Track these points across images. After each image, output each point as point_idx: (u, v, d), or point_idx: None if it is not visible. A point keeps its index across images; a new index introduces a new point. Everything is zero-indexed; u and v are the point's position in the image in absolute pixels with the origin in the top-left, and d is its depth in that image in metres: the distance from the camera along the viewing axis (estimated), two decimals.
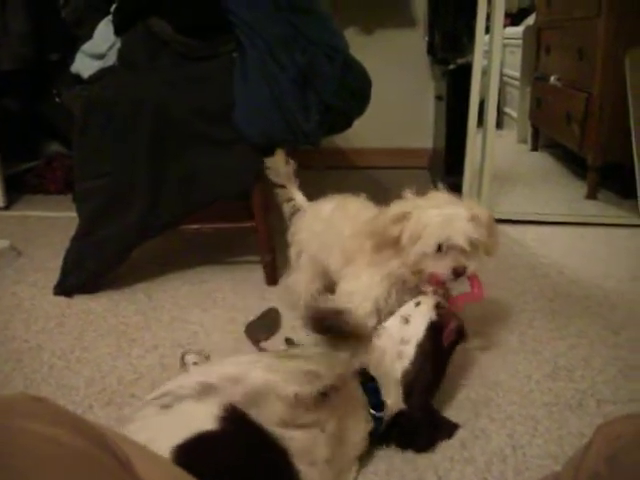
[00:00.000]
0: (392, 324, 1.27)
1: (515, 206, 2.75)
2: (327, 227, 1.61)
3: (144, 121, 1.76)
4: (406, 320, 1.25)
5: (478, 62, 2.46)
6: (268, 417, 0.95)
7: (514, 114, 4.42)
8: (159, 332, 1.68)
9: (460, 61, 2.81)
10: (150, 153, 1.78)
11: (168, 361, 1.52)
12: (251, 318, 1.71)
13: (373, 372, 1.18)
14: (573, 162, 3.42)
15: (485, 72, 2.48)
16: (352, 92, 1.80)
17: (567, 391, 1.40)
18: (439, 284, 1.34)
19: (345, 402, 1.09)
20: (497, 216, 2.54)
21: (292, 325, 1.69)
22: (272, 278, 1.96)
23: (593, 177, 2.88)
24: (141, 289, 1.95)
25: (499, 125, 4.77)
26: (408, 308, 1.28)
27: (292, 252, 1.73)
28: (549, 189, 3.13)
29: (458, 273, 1.33)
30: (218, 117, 1.77)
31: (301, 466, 0.95)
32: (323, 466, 0.99)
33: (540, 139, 4.02)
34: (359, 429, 1.11)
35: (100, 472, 0.52)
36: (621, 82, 2.61)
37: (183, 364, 1.42)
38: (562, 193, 3.04)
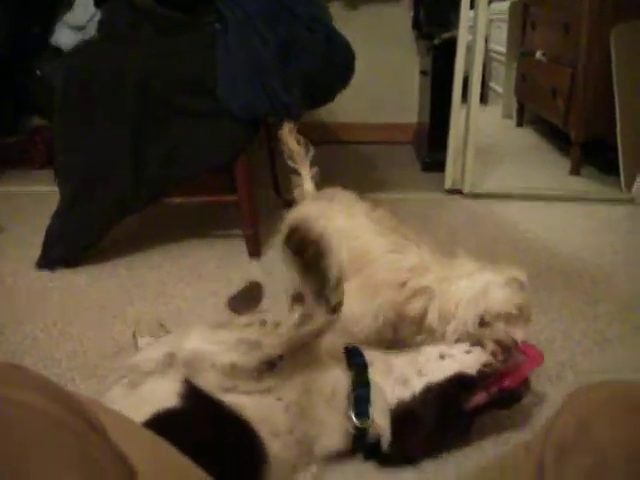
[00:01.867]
0: (426, 352, 1.13)
1: (499, 181, 2.76)
2: None
3: (126, 94, 1.74)
4: (442, 357, 1.10)
5: (463, 37, 2.45)
6: (206, 386, 0.93)
7: (500, 89, 4.42)
8: (141, 306, 1.68)
9: (445, 36, 2.80)
10: (132, 126, 1.77)
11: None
12: (233, 291, 1.71)
13: (372, 378, 1.08)
14: (558, 138, 3.43)
15: (470, 47, 2.47)
16: (335, 65, 1.80)
17: (546, 363, 1.40)
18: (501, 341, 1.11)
19: (308, 374, 1.03)
20: (481, 191, 2.57)
21: (274, 297, 1.69)
22: (255, 251, 1.96)
23: (576, 153, 2.89)
24: (123, 263, 1.94)
25: (485, 100, 4.77)
26: (456, 349, 1.11)
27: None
28: (533, 165, 3.15)
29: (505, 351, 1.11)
30: (201, 89, 1.76)
31: (263, 435, 0.93)
32: (286, 437, 0.96)
33: (525, 115, 4.03)
34: (333, 416, 1.04)
35: (73, 439, 0.52)
36: (606, 58, 2.61)
37: (136, 341, 1.41)
38: (546, 169, 3.06)
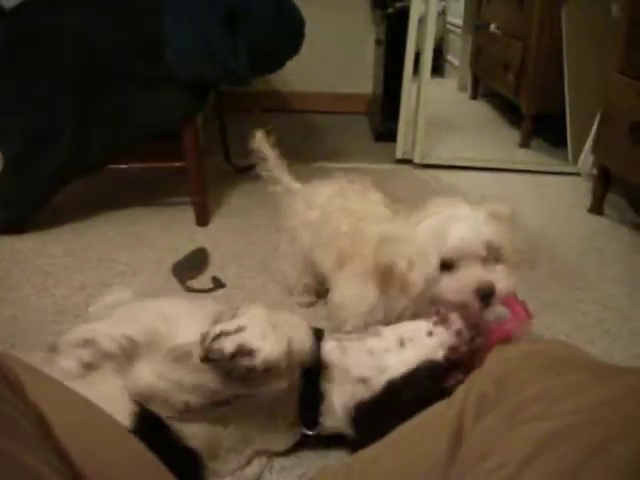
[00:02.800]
0: (385, 339, 0.99)
1: (449, 152, 2.78)
2: (323, 218, 1.33)
3: (69, 54, 1.70)
4: (402, 343, 0.96)
5: (415, 9, 2.44)
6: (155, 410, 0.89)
7: (456, 62, 4.44)
8: (86, 272, 1.66)
9: (399, 5, 2.79)
10: (74, 89, 1.73)
11: (94, 300, 1.51)
12: (179, 258, 1.71)
13: (324, 381, 0.98)
14: (510, 111, 3.46)
15: (422, 19, 2.48)
16: (283, 31, 1.77)
17: None
18: (468, 315, 0.96)
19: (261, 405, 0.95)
20: (431, 161, 2.60)
21: (221, 265, 1.70)
22: (202, 219, 1.95)
23: (527, 125, 2.94)
24: (69, 230, 1.91)
25: (441, 73, 4.79)
26: (416, 330, 0.97)
27: (282, 238, 1.52)
28: (485, 137, 3.18)
29: (485, 296, 0.97)
30: (147, 52, 1.72)
31: (206, 456, 0.92)
32: (229, 454, 0.95)
33: (480, 88, 4.06)
34: (278, 426, 1.00)
35: None
36: (557, 33, 2.64)
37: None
38: (497, 141, 3.10)
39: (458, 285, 0.98)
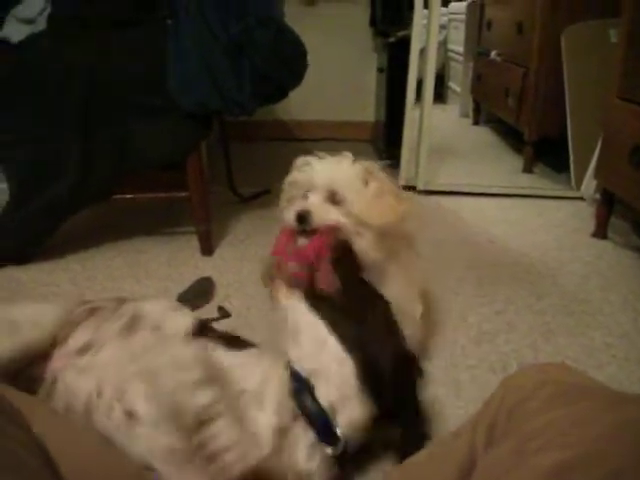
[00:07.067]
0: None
1: (452, 178, 2.79)
2: None
3: (75, 88, 1.72)
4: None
5: (416, 37, 2.48)
6: None
7: (458, 89, 4.48)
8: None
9: (401, 34, 2.82)
10: (81, 120, 1.74)
11: None
12: (184, 287, 1.71)
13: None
14: (512, 137, 3.48)
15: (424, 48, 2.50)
16: (285, 61, 1.80)
17: (491, 355, 1.44)
18: (289, 235, 1.20)
19: None
20: (434, 187, 2.61)
21: (226, 294, 1.70)
22: (207, 248, 1.95)
23: (529, 151, 2.95)
24: (75, 259, 1.92)
25: (443, 99, 4.83)
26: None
27: None
28: (487, 162, 3.20)
29: (300, 217, 1.18)
30: (152, 84, 1.74)
31: None
32: None
33: (482, 114, 4.08)
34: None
35: None
36: (558, 58, 2.66)
37: None
38: (500, 166, 3.11)
39: (291, 208, 1.21)
